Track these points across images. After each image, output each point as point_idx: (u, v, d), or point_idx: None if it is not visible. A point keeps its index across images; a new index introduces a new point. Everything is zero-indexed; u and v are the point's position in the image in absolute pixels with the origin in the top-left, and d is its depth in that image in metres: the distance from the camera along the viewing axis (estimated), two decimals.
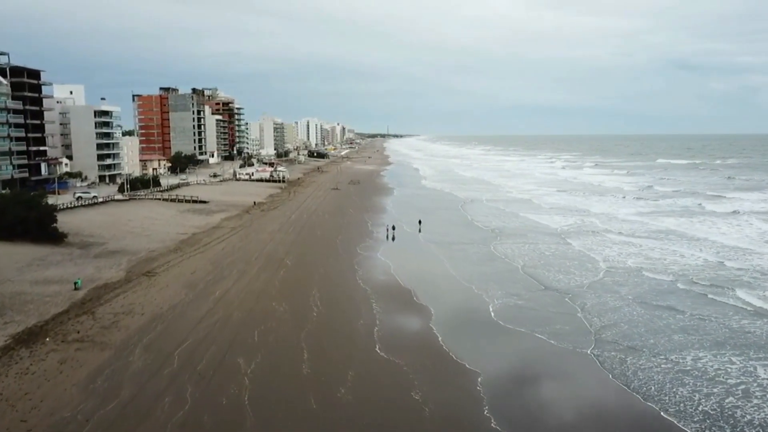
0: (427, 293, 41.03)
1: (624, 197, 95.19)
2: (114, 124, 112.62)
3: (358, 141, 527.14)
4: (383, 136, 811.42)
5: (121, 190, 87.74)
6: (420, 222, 66.88)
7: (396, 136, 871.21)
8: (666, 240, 59.01)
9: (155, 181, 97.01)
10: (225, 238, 61.08)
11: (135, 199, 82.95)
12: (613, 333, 32.84)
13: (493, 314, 36.49)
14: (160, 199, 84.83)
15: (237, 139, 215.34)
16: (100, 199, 77.65)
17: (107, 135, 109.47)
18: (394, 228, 61.83)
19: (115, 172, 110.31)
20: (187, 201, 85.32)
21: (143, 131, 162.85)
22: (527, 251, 54.01)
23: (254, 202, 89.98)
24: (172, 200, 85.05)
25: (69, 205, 70.50)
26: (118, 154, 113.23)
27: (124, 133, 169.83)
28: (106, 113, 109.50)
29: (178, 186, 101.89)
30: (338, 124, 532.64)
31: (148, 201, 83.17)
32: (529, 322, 34.60)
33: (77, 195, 78.85)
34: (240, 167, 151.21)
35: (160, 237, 59.96)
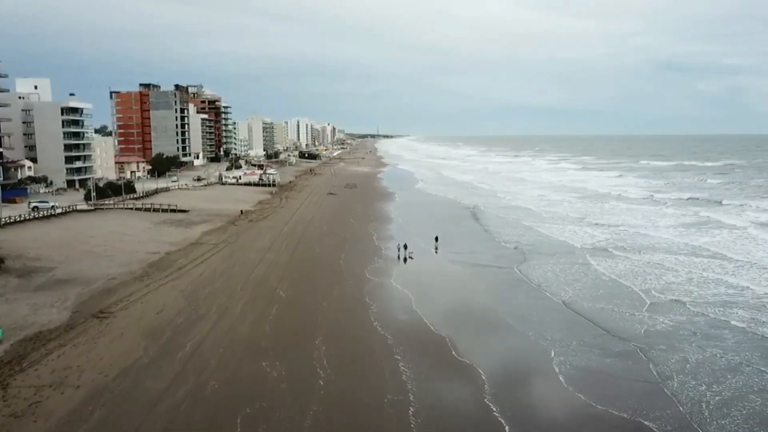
0: (466, 342, 31.15)
1: (634, 206, 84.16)
2: (85, 123, 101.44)
3: (349, 141, 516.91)
4: (373, 136, 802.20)
5: (87, 197, 76.71)
6: (437, 239, 56.80)
7: (386, 136, 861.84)
8: (705, 259, 49.26)
9: (129, 187, 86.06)
10: (205, 259, 50.74)
11: (102, 208, 72.02)
12: (734, 424, 22.83)
13: (562, 379, 26.61)
14: (132, 208, 74.01)
15: (224, 140, 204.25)
16: (60, 210, 66.63)
17: (77, 135, 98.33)
18: (406, 247, 51.60)
19: (86, 176, 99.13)
20: (164, 210, 74.69)
21: (122, 131, 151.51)
22: (563, 278, 44.01)
23: (241, 211, 79.61)
24: (147, 209, 74.30)
25: (19, 218, 59.54)
26: (90, 156, 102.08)
27: (106, 134, 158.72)
28: (75, 110, 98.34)
29: (155, 192, 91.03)
30: (329, 125, 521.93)
31: (118, 211, 72.39)
32: (612, 396, 24.83)
33: (32, 205, 67.80)
34: (226, 170, 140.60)
35: (125, 258, 49.43)
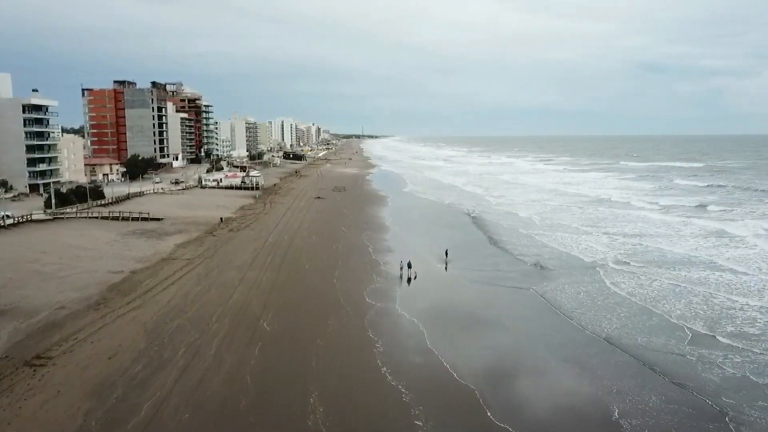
0: (502, 397, 24.65)
1: (642, 213, 76.04)
2: (50, 122, 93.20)
3: (334, 142, 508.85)
4: (358, 136, 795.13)
5: (47, 205, 68.67)
6: (447, 254, 50.13)
7: (371, 136, 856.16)
8: (745, 278, 43.02)
9: (96, 192, 78.10)
10: (177, 279, 43.56)
11: (62, 218, 64.06)
12: None
13: None
14: (97, 216, 66.15)
15: (205, 140, 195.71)
16: (11, 221, 58.69)
17: (40, 135, 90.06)
18: (410, 266, 44.51)
19: (52, 180, 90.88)
20: (135, 219, 67.08)
21: (95, 131, 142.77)
22: (599, 303, 37.58)
23: (221, 219, 72.27)
24: (115, 218, 66.63)
25: None
26: (56, 158, 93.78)
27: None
28: (38, 108, 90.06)
29: (127, 197, 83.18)
30: (313, 125, 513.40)
31: (81, 220, 64.52)
32: None
33: None
34: (207, 172, 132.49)
35: (82, 280, 42.02)
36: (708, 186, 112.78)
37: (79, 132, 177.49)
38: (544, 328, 33.37)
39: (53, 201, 67.37)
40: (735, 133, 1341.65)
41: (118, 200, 79.37)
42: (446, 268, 47.80)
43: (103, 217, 66.02)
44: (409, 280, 43.47)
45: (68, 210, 66.72)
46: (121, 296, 38.80)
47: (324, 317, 35.00)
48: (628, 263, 47.70)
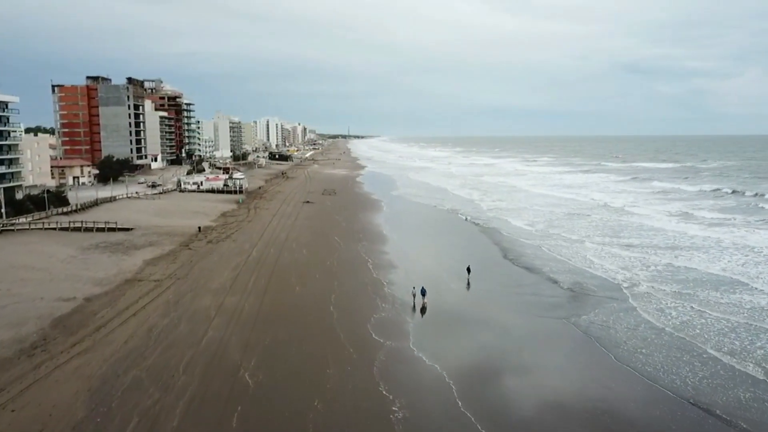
0: None
1: (650, 223, 68.25)
2: (11, 120, 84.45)
3: (320, 142, 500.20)
4: (344, 136, 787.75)
5: None
6: (469, 270, 43.02)
7: (357, 136, 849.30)
8: None
9: (59, 198, 69.65)
10: (139, 309, 35.94)
11: (12, 230, 55.61)
12: None
13: None
14: (55, 228, 57.82)
15: (186, 140, 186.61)
16: None
17: None
18: (424, 293, 37.10)
19: (14, 184, 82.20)
20: (100, 229, 59.04)
21: (66, 129, 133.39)
22: (657, 342, 31.18)
23: (199, 228, 64.52)
24: (76, 229, 58.47)
25: None
26: (18, 159, 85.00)
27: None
28: None
29: (95, 204, 74.87)
30: (299, 124, 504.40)
31: (36, 233, 56.22)
32: None
33: None
34: (187, 173, 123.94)
35: (20, 313, 34.15)
36: (703, 190, 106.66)
37: (53, 133, 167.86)
38: (603, 378, 26.34)
39: (3, 210, 58.78)
40: (719, 133, 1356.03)
41: (84, 207, 70.97)
42: (468, 287, 40.73)
43: (62, 228, 57.73)
44: (423, 309, 36.14)
45: (20, 220, 58.19)
46: (67, 335, 31.08)
47: (322, 364, 27.67)
48: (676, 287, 40.79)
